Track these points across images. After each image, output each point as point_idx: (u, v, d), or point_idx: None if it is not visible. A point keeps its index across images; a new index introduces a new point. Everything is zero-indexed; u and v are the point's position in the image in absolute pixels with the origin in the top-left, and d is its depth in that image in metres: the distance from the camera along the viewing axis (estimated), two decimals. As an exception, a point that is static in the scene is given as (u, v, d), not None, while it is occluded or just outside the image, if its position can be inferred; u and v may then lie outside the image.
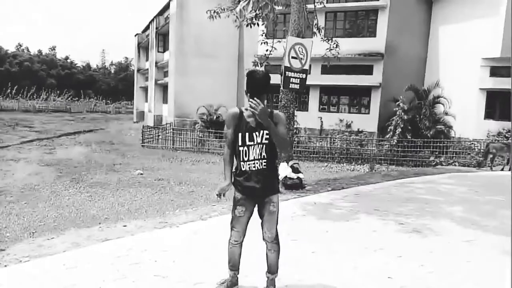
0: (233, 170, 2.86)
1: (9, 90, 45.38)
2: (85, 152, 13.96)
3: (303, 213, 5.38)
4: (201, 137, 17.26)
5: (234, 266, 2.91)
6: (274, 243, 2.83)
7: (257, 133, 2.69)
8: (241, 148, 2.71)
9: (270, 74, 2.83)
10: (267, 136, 2.68)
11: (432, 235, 4.53)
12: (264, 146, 2.70)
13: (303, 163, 13.20)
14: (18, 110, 39.82)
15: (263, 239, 2.85)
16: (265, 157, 2.71)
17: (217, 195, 2.85)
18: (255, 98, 2.57)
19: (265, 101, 2.69)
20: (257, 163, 2.70)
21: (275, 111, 2.81)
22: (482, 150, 14.10)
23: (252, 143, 2.69)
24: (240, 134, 2.70)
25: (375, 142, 16.41)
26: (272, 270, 2.89)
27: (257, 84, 2.68)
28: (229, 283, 2.94)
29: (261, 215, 2.82)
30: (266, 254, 2.89)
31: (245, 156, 2.71)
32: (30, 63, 57.00)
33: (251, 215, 2.82)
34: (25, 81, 50.09)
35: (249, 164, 2.71)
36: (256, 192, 2.73)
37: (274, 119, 2.70)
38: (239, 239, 2.83)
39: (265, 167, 2.72)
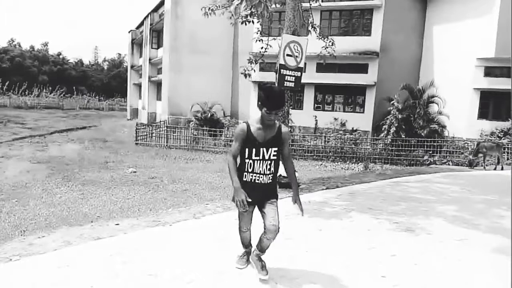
0: None
1: (0, 86, 44.87)
2: (78, 150, 13.84)
3: (297, 212, 5.35)
4: (195, 135, 17.17)
5: (248, 245, 3.29)
6: (277, 232, 2.95)
7: (264, 149, 2.87)
8: (246, 161, 2.89)
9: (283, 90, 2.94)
10: (275, 153, 2.91)
11: (425, 234, 4.55)
12: (273, 162, 2.92)
13: (298, 162, 13.21)
14: (9, 106, 39.35)
15: (266, 228, 2.96)
16: (272, 171, 2.95)
17: (243, 202, 2.77)
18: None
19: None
20: (262, 176, 2.91)
21: (283, 128, 2.96)
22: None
23: (258, 158, 2.87)
24: (247, 149, 2.86)
25: (370, 141, 16.46)
26: (264, 251, 3.14)
27: (277, 99, 2.78)
28: (247, 255, 3.31)
29: (262, 208, 3.01)
30: (261, 239, 3.05)
31: (250, 168, 2.90)
32: (21, 59, 56.35)
33: (254, 209, 3.06)
34: (16, 77, 49.49)
35: (252, 176, 2.91)
36: (259, 199, 2.97)
37: (282, 136, 2.92)
38: (248, 228, 3.15)
39: (271, 180, 2.96)
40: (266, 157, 2.88)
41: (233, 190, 2.86)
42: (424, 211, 5.72)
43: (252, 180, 2.91)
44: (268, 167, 2.90)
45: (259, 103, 2.83)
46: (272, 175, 2.95)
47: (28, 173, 8.92)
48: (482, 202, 6.60)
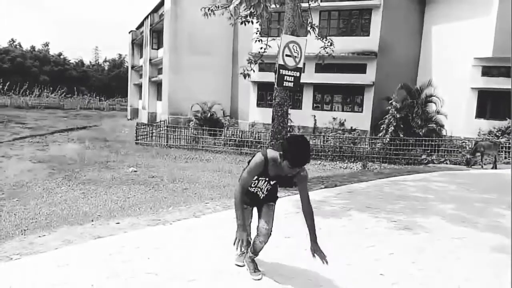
0: None
1: (0, 86, 44.82)
2: (78, 149, 13.86)
3: (296, 210, 5.40)
4: (195, 134, 17.20)
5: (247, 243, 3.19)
6: (269, 235, 3.02)
7: (271, 179, 2.93)
8: (253, 181, 2.96)
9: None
10: (274, 183, 2.99)
11: (423, 232, 4.58)
12: (271, 187, 3.01)
13: (297, 161, 13.19)
14: (10, 106, 39.34)
15: (259, 230, 3.04)
16: (270, 190, 3.04)
17: (243, 241, 2.78)
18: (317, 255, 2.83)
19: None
20: (262, 193, 3.03)
21: (302, 172, 2.81)
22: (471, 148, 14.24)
23: (263, 179, 2.93)
24: (257, 176, 2.90)
25: (368, 140, 16.49)
26: (257, 253, 3.15)
27: (303, 157, 2.59)
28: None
29: (259, 210, 3.11)
30: (254, 242, 3.07)
31: (253, 185, 2.98)
32: (22, 59, 56.41)
33: (253, 208, 3.16)
34: (17, 77, 49.52)
35: (256, 189, 3.02)
36: (258, 204, 3.11)
37: (298, 176, 2.80)
38: (247, 224, 3.09)
39: (268, 193, 3.06)
40: (272, 183, 2.98)
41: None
42: (422, 209, 5.76)
43: (255, 192, 3.03)
44: (270, 188, 3.02)
45: (282, 153, 2.64)
46: (268, 192, 3.05)
47: (29, 173, 8.95)
48: (480, 200, 6.63)
